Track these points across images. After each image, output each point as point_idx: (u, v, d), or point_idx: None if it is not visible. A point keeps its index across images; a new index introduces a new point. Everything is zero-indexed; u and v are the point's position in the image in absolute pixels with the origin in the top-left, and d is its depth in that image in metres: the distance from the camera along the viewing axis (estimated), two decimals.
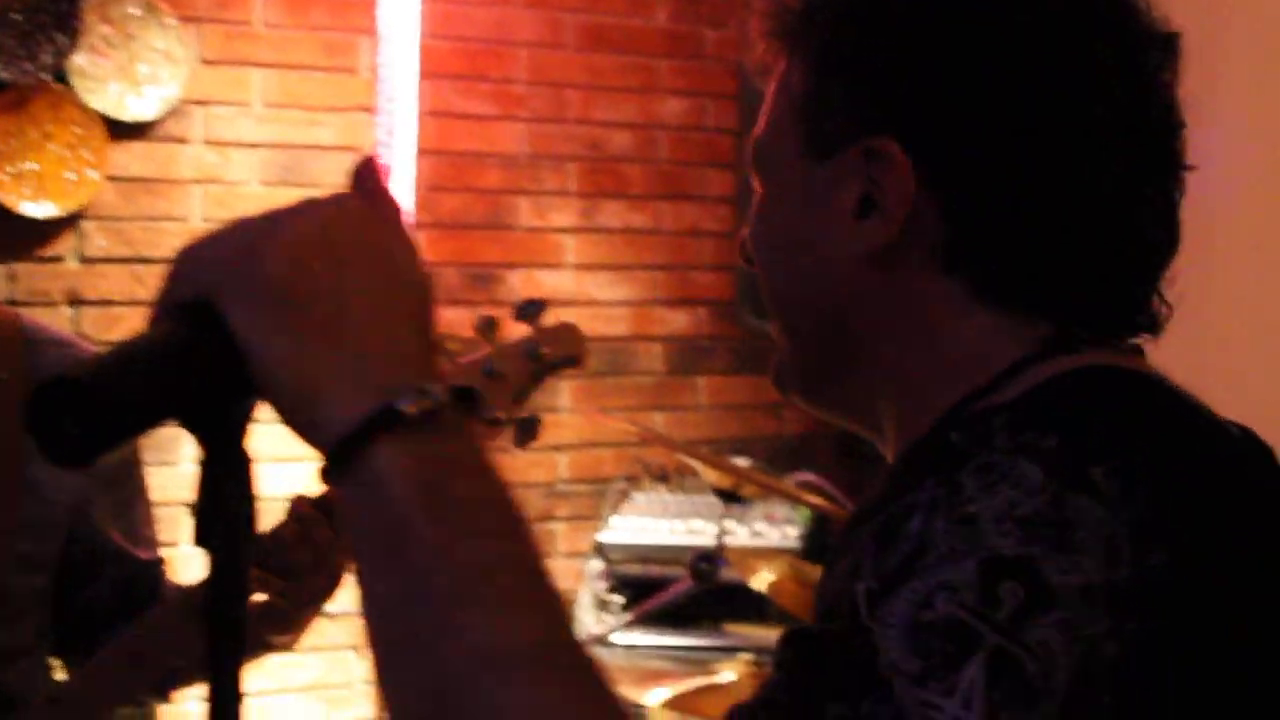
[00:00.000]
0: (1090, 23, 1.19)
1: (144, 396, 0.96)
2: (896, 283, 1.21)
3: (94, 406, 0.93)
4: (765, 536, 4.15)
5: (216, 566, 1.01)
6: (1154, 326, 1.23)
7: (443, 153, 4.45)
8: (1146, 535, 0.97)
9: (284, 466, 4.21)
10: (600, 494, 4.65)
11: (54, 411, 0.93)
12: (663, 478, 4.50)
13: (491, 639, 0.91)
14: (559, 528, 4.68)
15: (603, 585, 4.30)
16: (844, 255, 1.22)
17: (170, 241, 4.21)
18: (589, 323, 4.59)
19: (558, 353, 2.48)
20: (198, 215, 4.25)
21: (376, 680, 0.96)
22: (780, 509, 4.18)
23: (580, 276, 4.72)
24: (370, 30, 4.40)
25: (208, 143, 4.27)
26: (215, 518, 1.00)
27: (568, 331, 2.13)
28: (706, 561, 3.42)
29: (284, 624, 2.30)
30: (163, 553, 2.41)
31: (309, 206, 0.99)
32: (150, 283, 4.19)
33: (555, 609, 0.95)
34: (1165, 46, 1.22)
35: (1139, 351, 1.23)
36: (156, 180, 4.22)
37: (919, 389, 1.21)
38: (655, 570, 4.26)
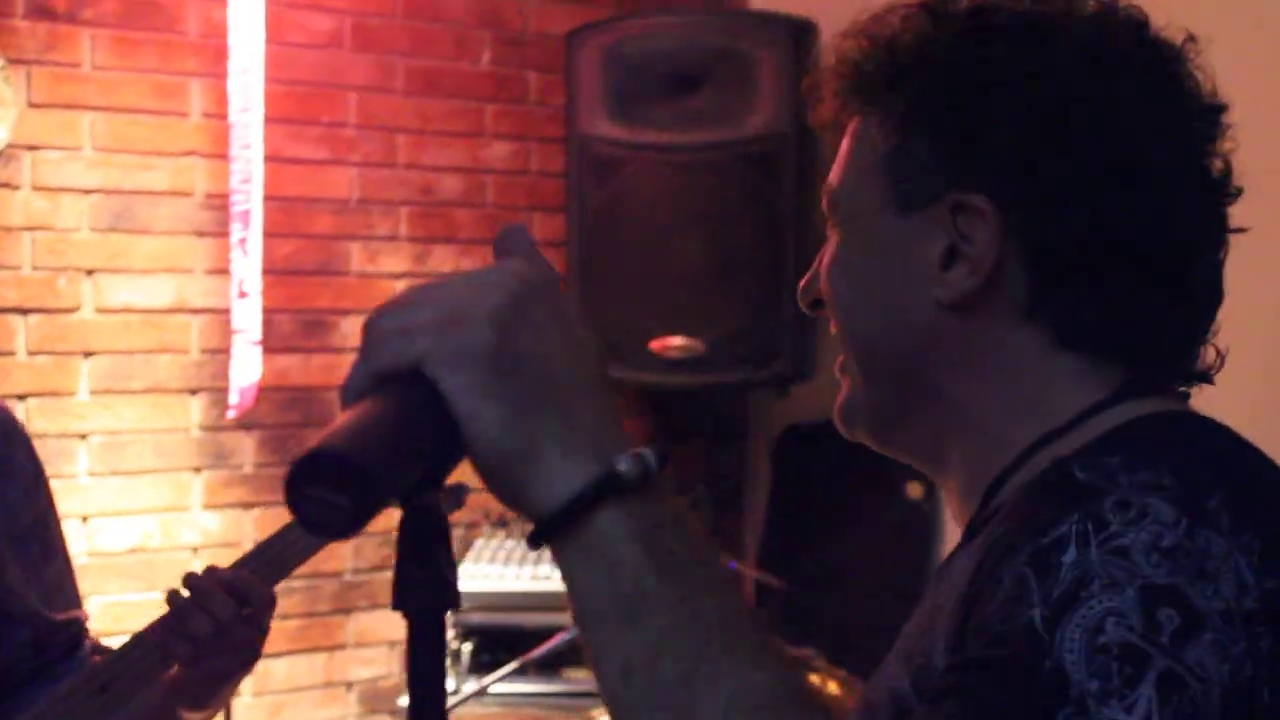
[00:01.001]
0: (1159, 92, 1.29)
1: (402, 468, 0.97)
2: (977, 330, 1.28)
3: (363, 480, 0.93)
4: None
5: (418, 628, 1.03)
6: (1207, 375, 1.34)
7: (274, 198, 4.37)
8: (1262, 563, 1.07)
9: (124, 520, 4.13)
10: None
11: (319, 484, 0.93)
12: (502, 524, 4.49)
13: (745, 689, 0.98)
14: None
15: (451, 634, 4.27)
16: (928, 304, 1.29)
17: (1, 291, 4.06)
18: None
19: None
20: (28, 263, 4.10)
21: None
22: None
23: None
24: (200, 73, 4.32)
25: (37, 188, 4.12)
26: (419, 582, 1.02)
27: None
28: None
29: (194, 700, 2.29)
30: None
31: (498, 274, 1.03)
32: None
33: (777, 652, 1.02)
34: (1217, 117, 1.32)
35: (1187, 398, 1.33)
36: None
37: (994, 431, 1.29)
38: (502, 618, 4.26)
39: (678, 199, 4.55)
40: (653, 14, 4.90)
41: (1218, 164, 1.31)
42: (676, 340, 4.51)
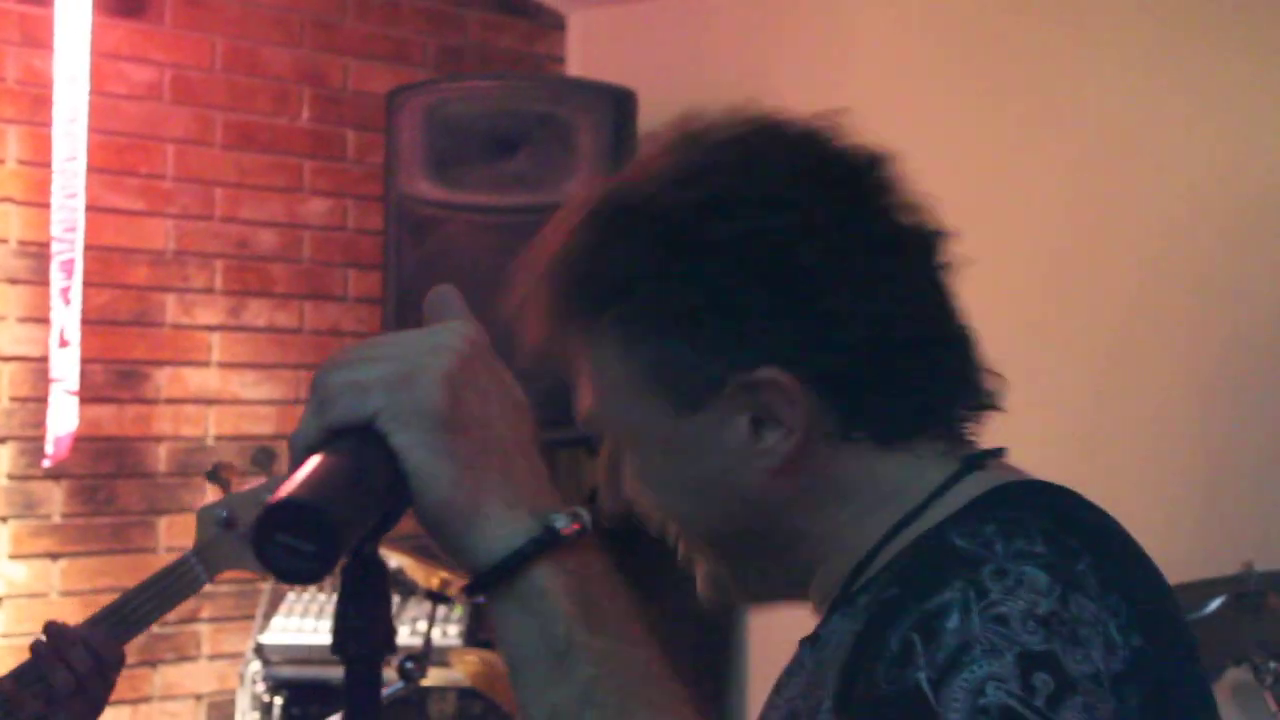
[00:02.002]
0: (882, 233, 1.36)
1: (361, 517, 1.03)
2: (808, 474, 1.32)
3: (328, 528, 0.98)
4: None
5: (355, 672, 1.09)
6: (995, 401, 1.42)
7: (91, 247, 4.35)
8: (1126, 623, 1.16)
9: None
10: (244, 594, 4.60)
11: (288, 533, 0.98)
12: None
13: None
14: (203, 629, 4.61)
15: (262, 687, 4.26)
16: (756, 476, 1.31)
17: None
18: (234, 421, 4.60)
19: None
20: None
21: None
22: (440, 608, 4.24)
23: (225, 374, 4.68)
24: (16, 120, 4.29)
25: None
26: (358, 627, 1.08)
27: None
28: (413, 661, 3.46)
29: None
30: None
31: (445, 336, 1.09)
32: None
33: (693, 704, 1.09)
34: (934, 238, 1.41)
35: (1001, 453, 1.42)
36: None
37: (855, 541, 1.34)
38: (314, 671, 4.26)
39: (494, 260, 4.57)
40: (473, 77, 4.98)
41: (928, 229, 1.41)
42: None
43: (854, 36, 4.84)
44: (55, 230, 4.13)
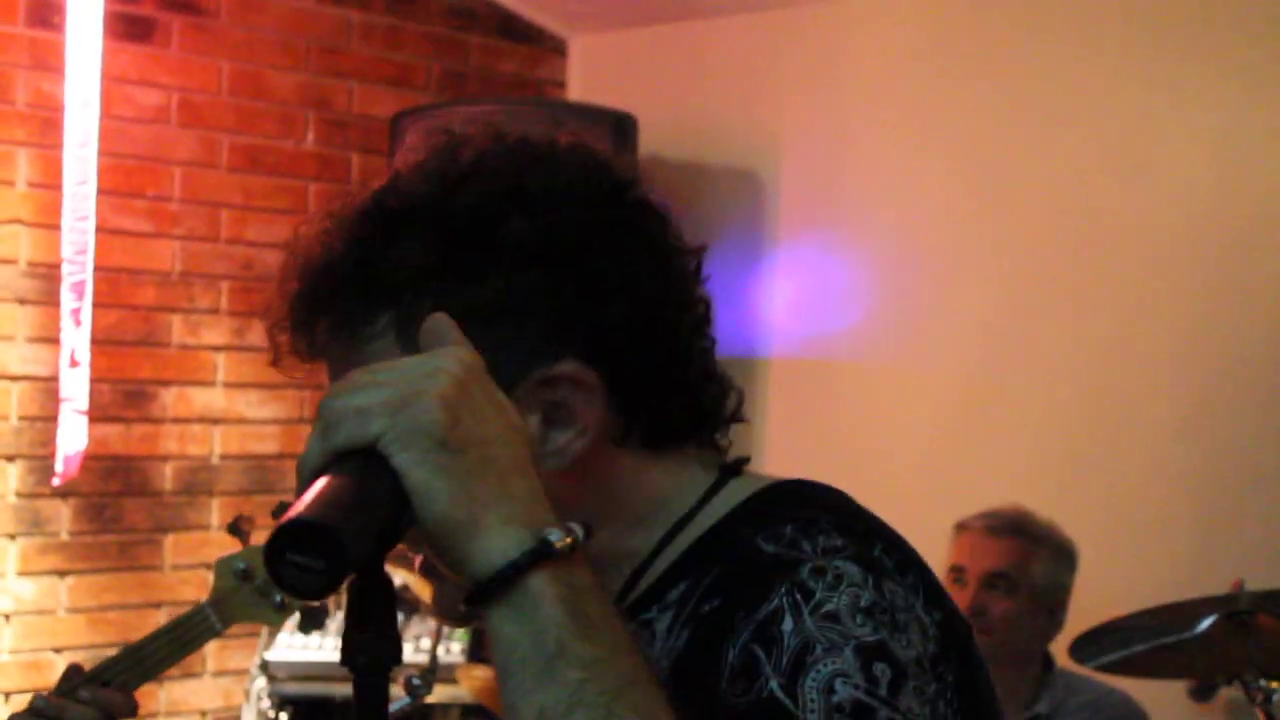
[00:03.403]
0: (657, 242, 1.39)
1: (367, 533, 1.08)
2: (590, 479, 1.34)
3: (337, 546, 1.04)
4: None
5: (364, 683, 1.13)
6: (742, 412, 1.46)
7: (99, 268, 4.40)
8: (926, 600, 1.26)
9: None
10: None
11: (298, 550, 1.03)
12: None
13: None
14: (208, 646, 4.63)
15: (267, 704, 4.31)
16: (544, 482, 1.23)
17: None
18: (239, 440, 4.65)
19: None
20: None
21: None
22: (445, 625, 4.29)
23: (231, 394, 4.74)
24: (27, 143, 4.35)
25: None
26: (366, 640, 1.12)
27: None
28: (419, 677, 3.51)
29: None
30: None
31: (443, 360, 1.14)
32: None
33: (673, 709, 1.13)
34: (696, 253, 1.44)
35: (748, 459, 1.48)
36: None
37: (633, 544, 1.39)
38: (318, 688, 4.31)
39: None
40: (475, 101, 5.04)
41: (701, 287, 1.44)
42: None
43: (851, 61, 4.91)
44: (66, 252, 4.19)
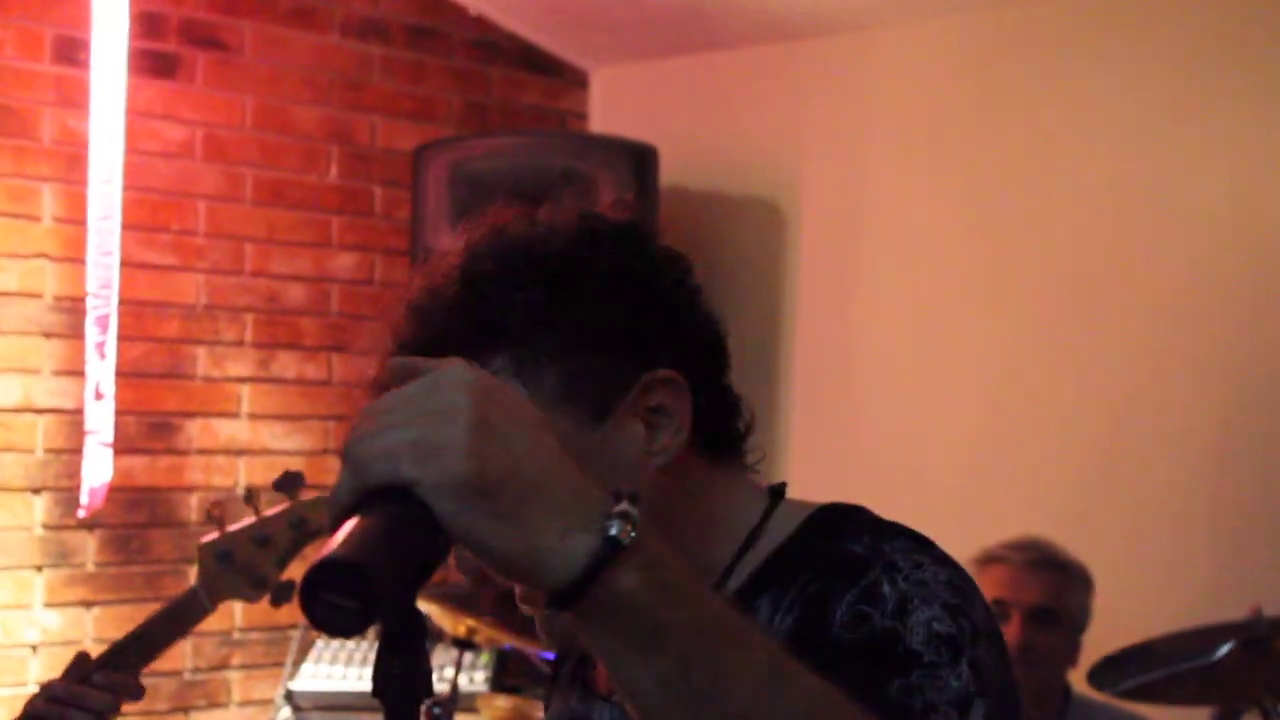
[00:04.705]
0: (671, 260, 1.56)
1: (399, 571, 1.09)
2: (680, 476, 1.50)
3: (370, 585, 1.05)
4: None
5: (395, 716, 1.14)
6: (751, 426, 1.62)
7: (124, 302, 4.45)
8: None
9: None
10: (274, 642, 4.69)
11: (331, 589, 1.05)
12: None
13: (762, 668, 1.16)
14: (234, 676, 4.69)
15: None
16: (648, 478, 1.46)
17: None
18: (263, 472, 4.68)
19: (319, 521, 2.73)
20: None
21: None
22: (467, 655, 4.32)
23: (255, 426, 4.77)
24: (53, 178, 4.40)
25: None
26: (398, 673, 1.14)
27: (325, 502, 2.34)
28: (440, 707, 3.54)
29: None
30: None
31: (453, 395, 1.13)
32: None
33: (753, 627, 1.20)
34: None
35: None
36: None
37: (712, 553, 1.52)
38: (343, 718, 4.33)
39: None
40: (497, 134, 5.08)
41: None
42: None
43: (872, 93, 4.93)
44: (91, 286, 4.23)
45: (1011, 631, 3.50)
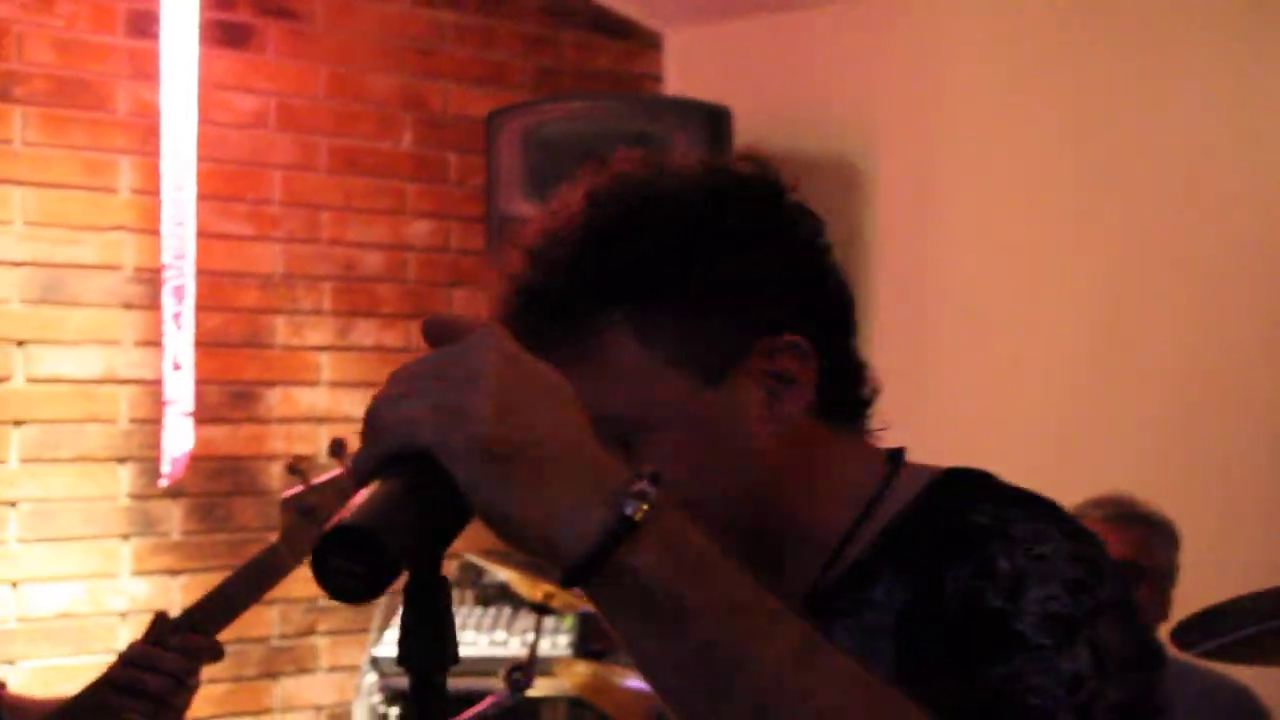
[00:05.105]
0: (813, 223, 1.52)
1: (412, 538, 1.08)
2: (798, 444, 1.46)
3: (379, 551, 1.04)
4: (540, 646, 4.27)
5: (421, 682, 1.12)
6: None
7: (202, 272, 4.47)
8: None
9: (53, 586, 4.20)
10: (360, 608, 4.70)
11: (340, 555, 1.04)
12: None
13: (788, 652, 1.13)
14: (321, 642, 4.72)
15: (378, 699, 4.36)
16: (768, 445, 1.44)
17: None
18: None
19: None
20: None
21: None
22: (549, 619, 4.31)
23: (335, 394, 4.79)
24: (129, 150, 4.43)
25: None
26: (424, 640, 1.11)
27: None
28: (520, 671, 3.53)
29: None
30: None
31: (484, 358, 1.11)
32: None
33: (783, 610, 1.16)
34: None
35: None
36: None
37: (821, 527, 1.47)
38: None
39: None
40: (570, 98, 5.06)
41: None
42: None
43: (949, 47, 4.88)
44: (166, 257, 4.26)
45: None
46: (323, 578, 1.05)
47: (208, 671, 2.49)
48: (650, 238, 1.42)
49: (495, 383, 1.10)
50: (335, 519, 1.05)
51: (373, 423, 1.11)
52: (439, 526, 1.10)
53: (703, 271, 1.41)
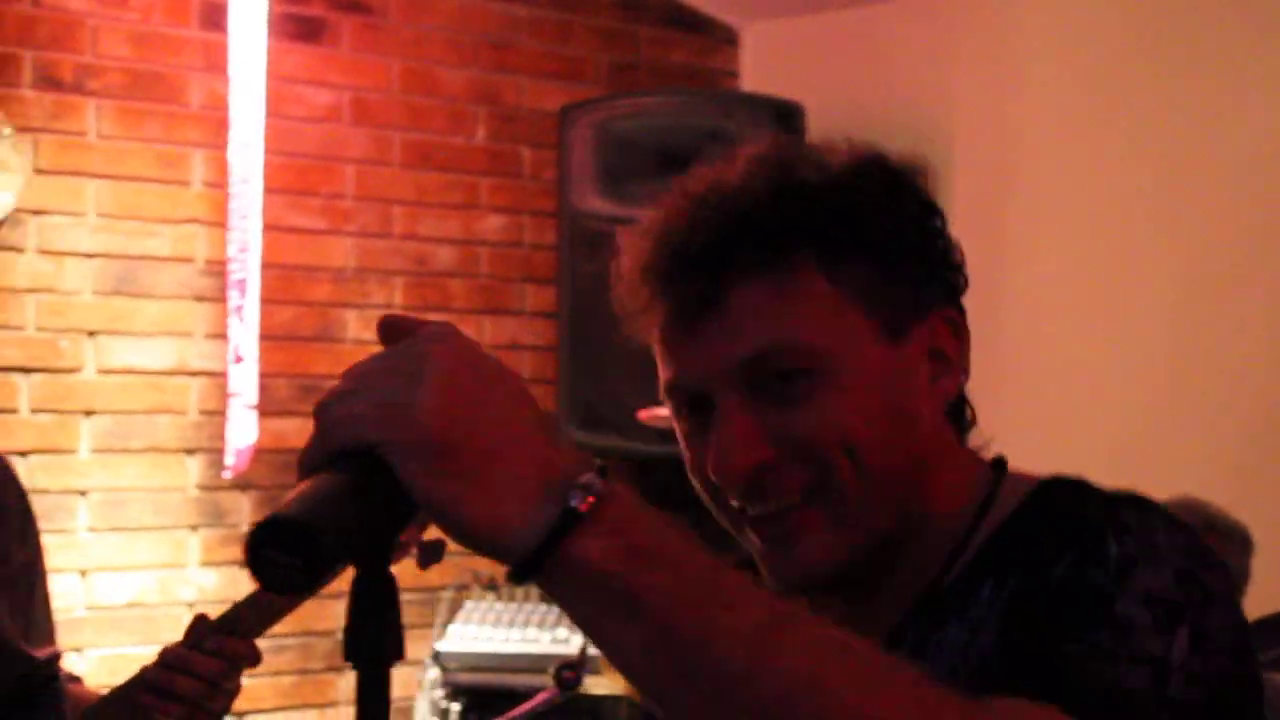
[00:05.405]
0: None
1: (352, 533, 1.07)
2: (941, 431, 1.46)
3: (313, 543, 1.03)
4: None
5: (367, 678, 1.11)
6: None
7: (273, 266, 4.50)
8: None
9: (122, 575, 4.23)
10: (425, 603, 4.70)
11: (274, 547, 1.03)
12: (492, 586, 4.58)
13: (754, 627, 1.10)
14: None
15: (440, 694, 4.36)
16: (930, 415, 1.44)
17: (4, 350, 4.18)
18: None
19: None
20: (32, 324, 4.23)
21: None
22: None
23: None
24: (202, 144, 4.45)
25: (41, 252, 4.26)
26: (368, 636, 1.10)
27: None
28: (571, 669, 3.52)
29: None
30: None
31: (432, 355, 1.11)
32: None
33: (750, 585, 1.15)
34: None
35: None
36: None
37: (946, 512, 1.45)
38: (491, 678, 4.34)
39: None
40: (642, 94, 5.05)
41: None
42: (661, 411, 4.59)
43: (1025, 44, 4.82)
44: (230, 250, 4.28)
45: None
46: (255, 568, 1.04)
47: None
48: (840, 193, 1.41)
49: (441, 379, 1.09)
50: (273, 509, 1.04)
51: (320, 420, 1.11)
52: (383, 523, 1.09)
53: (891, 230, 1.41)
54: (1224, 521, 3.53)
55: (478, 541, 1.10)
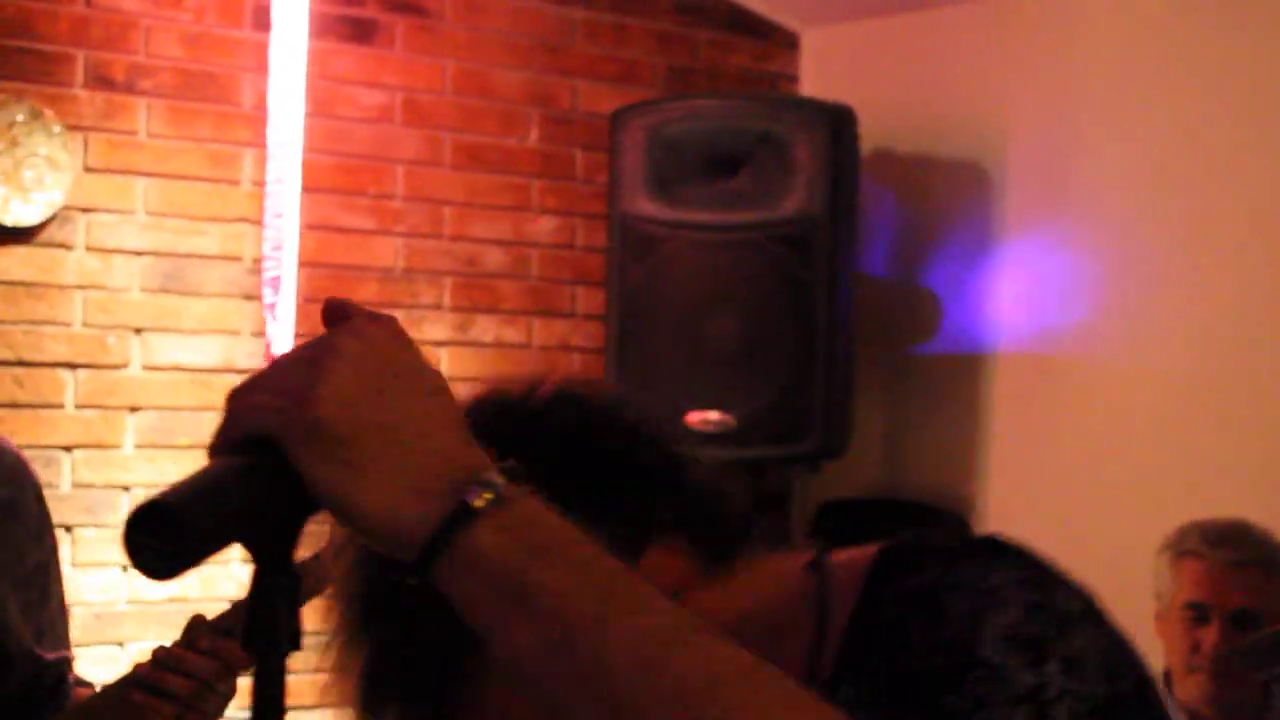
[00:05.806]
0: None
1: (227, 521, 1.08)
2: (724, 601, 1.38)
3: (182, 529, 1.04)
4: None
5: (264, 667, 1.12)
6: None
7: (321, 265, 4.53)
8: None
9: None
10: None
11: (145, 532, 1.04)
12: None
13: (652, 626, 1.08)
14: None
15: None
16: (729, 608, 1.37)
17: (52, 346, 4.23)
18: None
19: None
20: (79, 320, 4.27)
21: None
22: None
23: (453, 389, 4.79)
24: (253, 143, 4.49)
25: (90, 249, 4.31)
26: (264, 626, 1.11)
27: None
28: None
29: None
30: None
31: (338, 344, 1.11)
32: (30, 386, 4.20)
33: (657, 594, 1.12)
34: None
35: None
36: (38, 285, 4.24)
37: (790, 650, 1.38)
38: None
39: (713, 277, 4.65)
40: (696, 96, 5.03)
41: None
42: (712, 415, 4.58)
43: (1080, 48, 4.76)
44: (265, 248, 4.31)
45: (1210, 635, 3.32)
46: (129, 553, 1.05)
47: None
48: (553, 435, 1.37)
49: (344, 369, 1.09)
50: (154, 495, 1.05)
51: (226, 409, 1.11)
52: (276, 512, 1.10)
53: (597, 470, 1.36)
54: (1271, 552, 3.42)
55: (369, 532, 1.09)
